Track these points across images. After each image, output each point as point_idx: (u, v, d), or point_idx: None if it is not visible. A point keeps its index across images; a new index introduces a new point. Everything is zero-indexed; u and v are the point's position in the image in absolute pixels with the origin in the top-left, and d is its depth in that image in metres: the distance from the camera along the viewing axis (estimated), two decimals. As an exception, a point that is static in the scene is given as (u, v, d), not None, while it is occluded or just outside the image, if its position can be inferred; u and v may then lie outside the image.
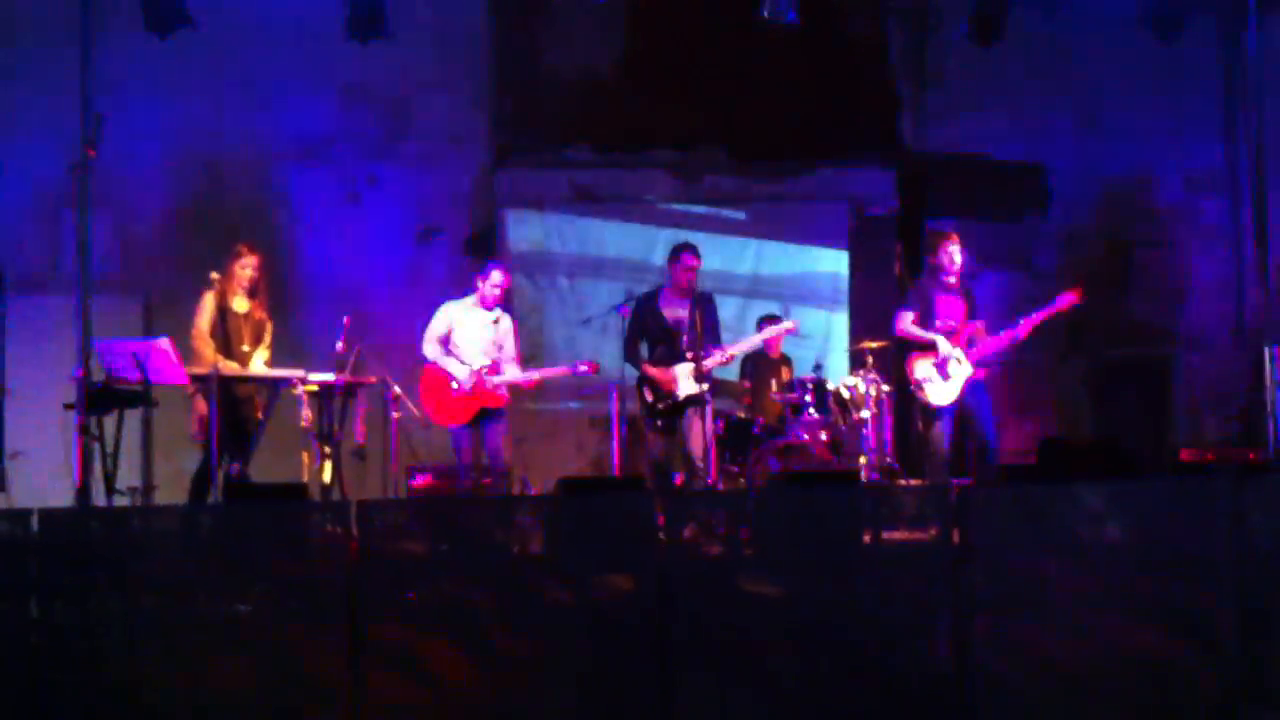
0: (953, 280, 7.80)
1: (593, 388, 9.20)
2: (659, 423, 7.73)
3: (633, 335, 7.84)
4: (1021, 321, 7.57)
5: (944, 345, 7.60)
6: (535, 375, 7.97)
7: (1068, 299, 7.63)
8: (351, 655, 4.87)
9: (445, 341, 7.75)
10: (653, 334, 7.80)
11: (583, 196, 9.95)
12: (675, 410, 7.66)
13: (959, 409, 7.64)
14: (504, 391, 7.72)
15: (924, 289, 7.89)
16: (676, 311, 7.73)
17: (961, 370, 7.56)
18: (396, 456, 7.73)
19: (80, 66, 6.68)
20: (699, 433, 7.53)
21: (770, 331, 8.31)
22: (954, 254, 7.77)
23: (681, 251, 7.84)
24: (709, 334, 7.69)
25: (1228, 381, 9.64)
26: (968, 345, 7.60)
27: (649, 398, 7.74)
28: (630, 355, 7.83)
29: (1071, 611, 4.93)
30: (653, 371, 7.70)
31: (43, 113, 8.88)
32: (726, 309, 8.86)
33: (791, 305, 9.63)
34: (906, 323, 7.79)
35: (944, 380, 7.57)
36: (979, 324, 7.71)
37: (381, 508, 5.30)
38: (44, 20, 8.90)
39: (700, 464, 7.49)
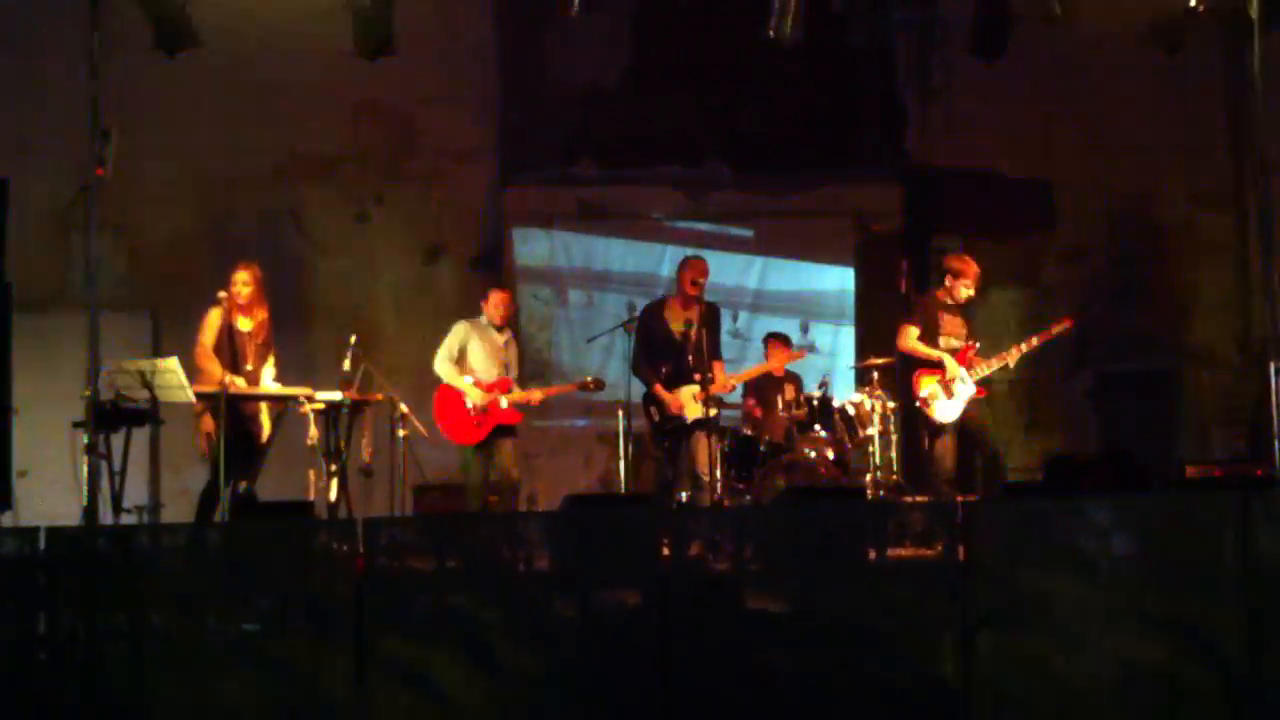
0: (959, 299, 7.81)
1: (601, 405, 9.22)
2: (666, 443, 7.62)
3: (640, 347, 7.65)
4: (1013, 350, 7.60)
5: (951, 365, 7.58)
6: (538, 394, 7.97)
7: (1061, 327, 7.65)
8: (358, 672, 4.88)
9: (459, 360, 7.78)
10: (658, 347, 7.62)
11: (589, 213, 9.98)
12: (681, 431, 7.57)
13: (961, 425, 7.63)
14: (516, 409, 7.75)
15: (929, 305, 7.86)
16: (683, 325, 7.59)
17: (965, 390, 7.58)
18: (403, 474, 7.75)
19: (89, 87, 6.71)
20: (705, 449, 7.49)
21: (775, 361, 8.29)
22: (973, 285, 7.76)
23: (689, 263, 7.70)
24: (712, 349, 7.64)
25: (1234, 397, 9.63)
26: (969, 365, 7.61)
27: (655, 417, 7.62)
28: (639, 368, 7.64)
29: (1077, 627, 4.92)
30: (662, 394, 7.55)
31: (53, 132, 8.93)
32: (731, 327, 8.90)
33: (798, 322, 9.64)
34: (911, 339, 7.72)
35: (948, 399, 7.57)
36: (974, 345, 7.73)
37: (388, 525, 5.33)
38: (53, 40, 8.95)
39: (706, 479, 7.46)
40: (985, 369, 7.62)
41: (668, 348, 7.59)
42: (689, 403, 7.47)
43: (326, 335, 8.88)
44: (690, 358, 7.49)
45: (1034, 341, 7.67)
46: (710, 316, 7.65)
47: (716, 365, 7.63)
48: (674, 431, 7.58)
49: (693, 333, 7.53)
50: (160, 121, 9.34)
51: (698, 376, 7.45)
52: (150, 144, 9.17)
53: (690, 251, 8.28)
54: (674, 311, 7.69)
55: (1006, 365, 7.63)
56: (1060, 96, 9.96)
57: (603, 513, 5.61)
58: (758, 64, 9.62)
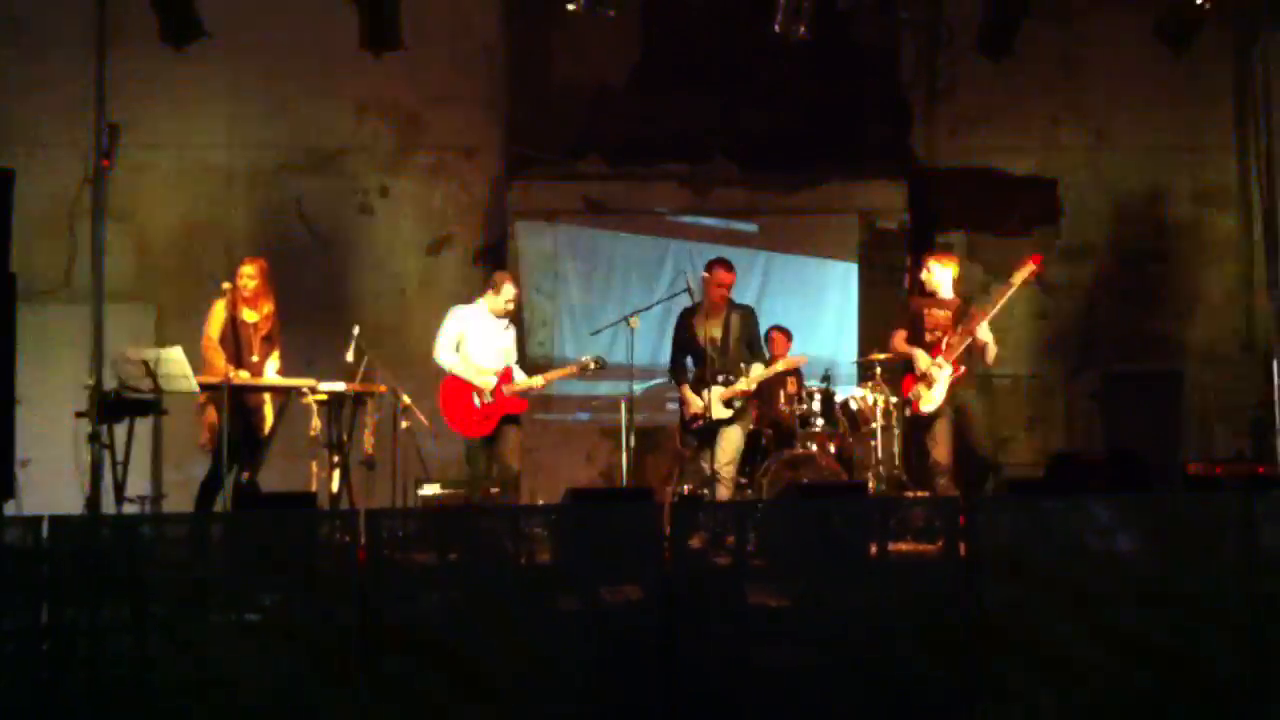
0: (945, 296, 7.87)
1: (603, 399, 9.24)
2: (694, 441, 7.78)
3: (675, 349, 7.89)
4: (977, 314, 7.66)
5: (921, 358, 7.72)
6: (540, 380, 7.98)
7: (1023, 271, 7.68)
8: (359, 663, 4.89)
9: (458, 348, 7.78)
10: (689, 351, 7.81)
11: (594, 208, 9.98)
12: (706, 431, 7.64)
13: (952, 413, 7.68)
14: (521, 397, 7.78)
15: (912, 305, 8.01)
16: (709, 329, 7.70)
17: (943, 373, 7.66)
18: (405, 466, 7.75)
19: (96, 78, 6.72)
20: (725, 444, 7.57)
21: (781, 365, 8.27)
22: (935, 271, 7.85)
23: (713, 267, 7.80)
24: (746, 348, 7.72)
25: (1237, 395, 9.63)
26: (942, 350, 7.69)
27: (685, 416, 7.80)
28: (674, 370, 7.87)
29: (1080, 623, 4.93)
30: (688, 397, 7.72)
31: (59, 124, 8.95)
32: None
33: (801, 317, 9.62)
34: (898, 340, 7.93)
35: (929, 389, 7.67)
36: (951, 333, 7.76)
37: (390, 517, 5.32)
38: (60, 33, 8.96)
39: (721, 475, 7.50)
40: (958, 345, 7.65)
41: (695, 351, 7.74)
42: (714, 404, 7.57)
43: (330, 327, 8.85)
44: (715, 358, 7.59)
45: (998, 301, 7.69)
46: (741, 320, 7.76)
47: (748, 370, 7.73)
48: (699, 432, 7.69)
49: (719, 337, 7.65)
50: (166, 114, 9.36)
51: (721, 377, 7.57)
52: (156, 136, 9.21)
53: (692, 250, 8.30)
54: (702, 317, 7.81)
55: (973, 335, 7.64)
56: (1066, 95, 9.97)
57: (605, 507, 5.61)
58: (764, 62, 9.63)
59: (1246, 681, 4.86)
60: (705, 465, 7.64)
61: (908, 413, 7.83)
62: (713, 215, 10.02)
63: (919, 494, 7.79)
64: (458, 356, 7.73)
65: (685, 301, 7.96)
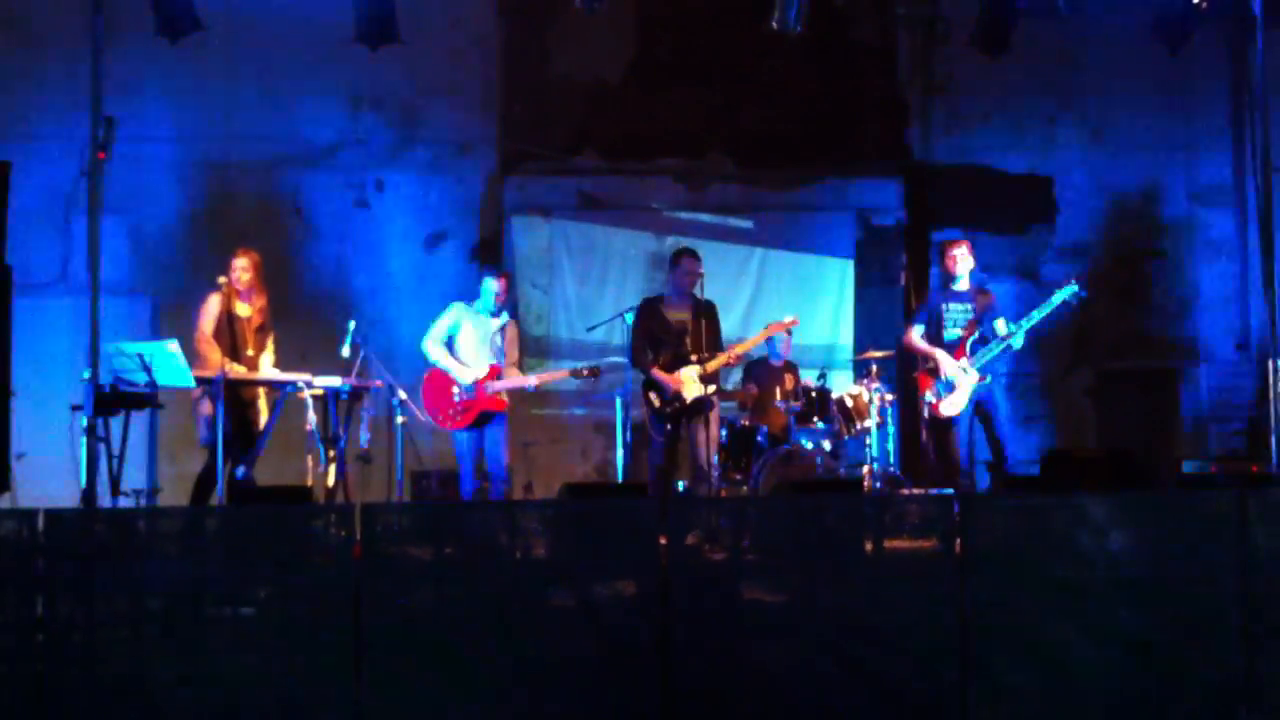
0: (963, 288, 7.82)
1: (598, 394, 9.23)
2: (667, 426, 7.68)
3: (638, 340, 7.79)
4: (1021, 324, 7.61)
5: (946, 363, 7.63)
6: (534, 379, 7.99)
7: (1067, 290, 7.64)
8: (355, 658, 4.89)
9: (449, 341, 7.79)
10: (657, 338, 7.75)
11: (590, 204, 9.97)
12: (682, 413, 7.65)
13: (972, 416, 7.65)
14: (504, 396, 7.76)
15: (933, 302, 7.89)
16: (680, 314, 7.74)
17: (968, 379, 7.59)
18: (401, 461, 7.75)
19: (91, 71, 6.70)
20: (704, 438, 7.57)
21: (771, 329, 8.23)
22: (960, 260, 7.79)
23: (683, 256, 7.85)
24: (712, 341, 7.71)
25: (1232, 394, 9.65)
26: (971, 353, 7.62)
27: (655, 402, 7.71)
28: (637, 360, 7.79)
29: (1074, 620, 4.94)
30: (660, 375, 7.66)
31: (55, 117, 8.94)
32: (731, 318, 8.88)
33: (796, 313, 9.61)
34: (915, 337, 7.82)
35: (951, 394, 7.60)
36: (973, 332, 7.72)
37: (386, 511, 5.33)
38: (56, 25, 8.95)
39: (706, 468, 7.52)
40: (986, 354, 7.62)
41: (667, 334, 7.72)
42: (688, 382, 7.58)
43: (326, 321, 8.85)
44: (689, 341, 7.60)
45: (1035, 316, 7.64)
46: (709, 311, 7.76)
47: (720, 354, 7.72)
48: (674, 415, 7.65)
49: (689, 322, 7.65)
50: (162, 106, 9.34)
51: (695, 356, 7.57)
52: (152, 128, 9.19)
53: (685, 242, 8.30)
54: (671, 306, 7.82)
55: (1009, 345, 7.62)
56: (1062, 92, 9.97)
57: (601, 502, 5.61)
58: (761, 59, 9.62)
59: (1240, 680, 4.87)
60: (673, 456, 7.63)
61: (925, 414, 7.74)
62: (709, 211, 10.01)
63: (914, 491, 7.80)
64: (442, 349, 7.75)
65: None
